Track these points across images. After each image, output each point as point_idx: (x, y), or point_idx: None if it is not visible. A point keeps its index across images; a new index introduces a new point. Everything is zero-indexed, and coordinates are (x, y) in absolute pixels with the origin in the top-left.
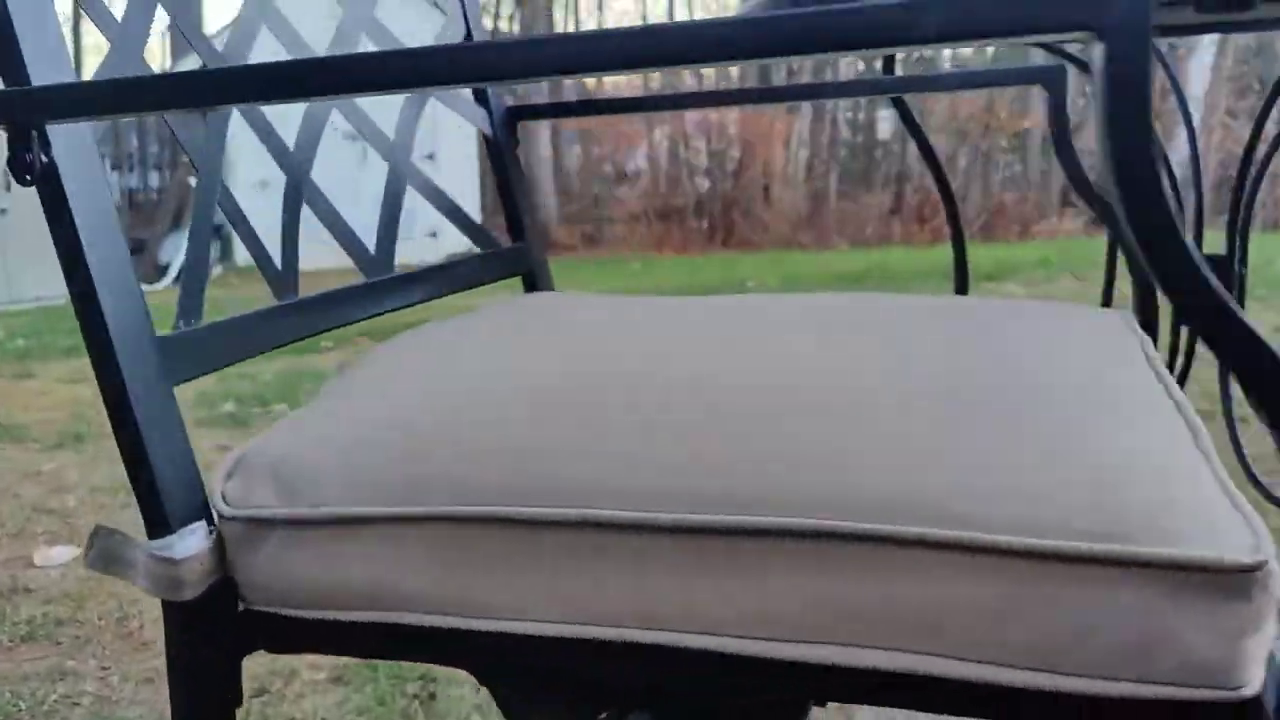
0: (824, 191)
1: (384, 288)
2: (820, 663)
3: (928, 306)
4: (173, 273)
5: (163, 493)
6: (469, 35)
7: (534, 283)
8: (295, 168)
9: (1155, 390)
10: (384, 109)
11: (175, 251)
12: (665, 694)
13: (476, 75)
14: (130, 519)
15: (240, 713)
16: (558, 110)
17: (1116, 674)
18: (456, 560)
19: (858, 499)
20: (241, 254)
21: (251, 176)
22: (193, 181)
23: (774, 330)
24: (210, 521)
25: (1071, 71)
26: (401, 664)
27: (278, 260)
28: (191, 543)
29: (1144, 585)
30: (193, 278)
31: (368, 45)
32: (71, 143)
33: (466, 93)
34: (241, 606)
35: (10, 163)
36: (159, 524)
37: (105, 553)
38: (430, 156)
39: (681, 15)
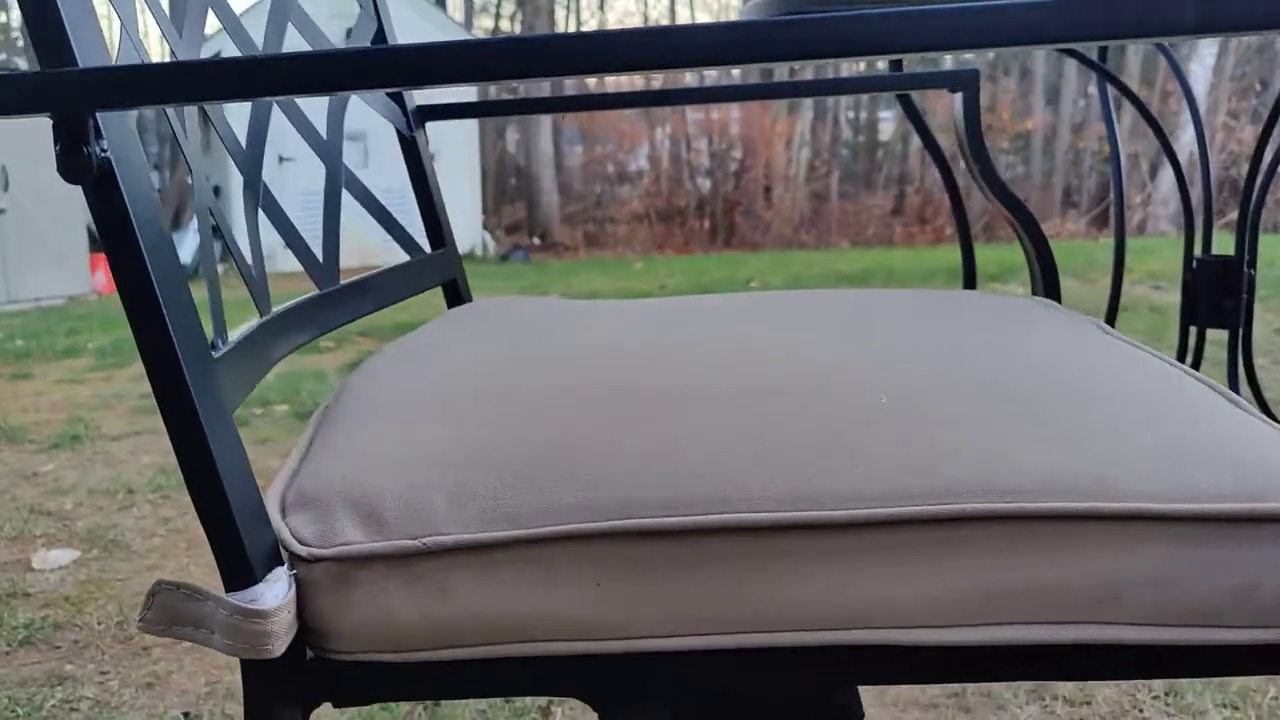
0: (825, 192)
1: (338, 298)
2: (988, 644)
3: (878, 299)
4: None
5: (245, 540)
6: (380, 31)
7: (456, 290)
8: (249, 170)
9: (1169, 367)
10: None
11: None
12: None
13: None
14: (132, 523)
15: (242, 718)
16: (465, 110)
17: (1275, 622)
18: (604, 579)
19: (1021, 482)
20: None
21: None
22: (191, 181)
23: (781, 327)
24: (287, 565)
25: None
26: None
27: (276, 264)
28: (279, 591)
29: None
30: (216, 296)
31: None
32: (124, 137)
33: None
34: (309, 655)
35: (62, 159)
36: (241, 573)
37: (169, 612)
38: (431, 156)
39: (683, 15)
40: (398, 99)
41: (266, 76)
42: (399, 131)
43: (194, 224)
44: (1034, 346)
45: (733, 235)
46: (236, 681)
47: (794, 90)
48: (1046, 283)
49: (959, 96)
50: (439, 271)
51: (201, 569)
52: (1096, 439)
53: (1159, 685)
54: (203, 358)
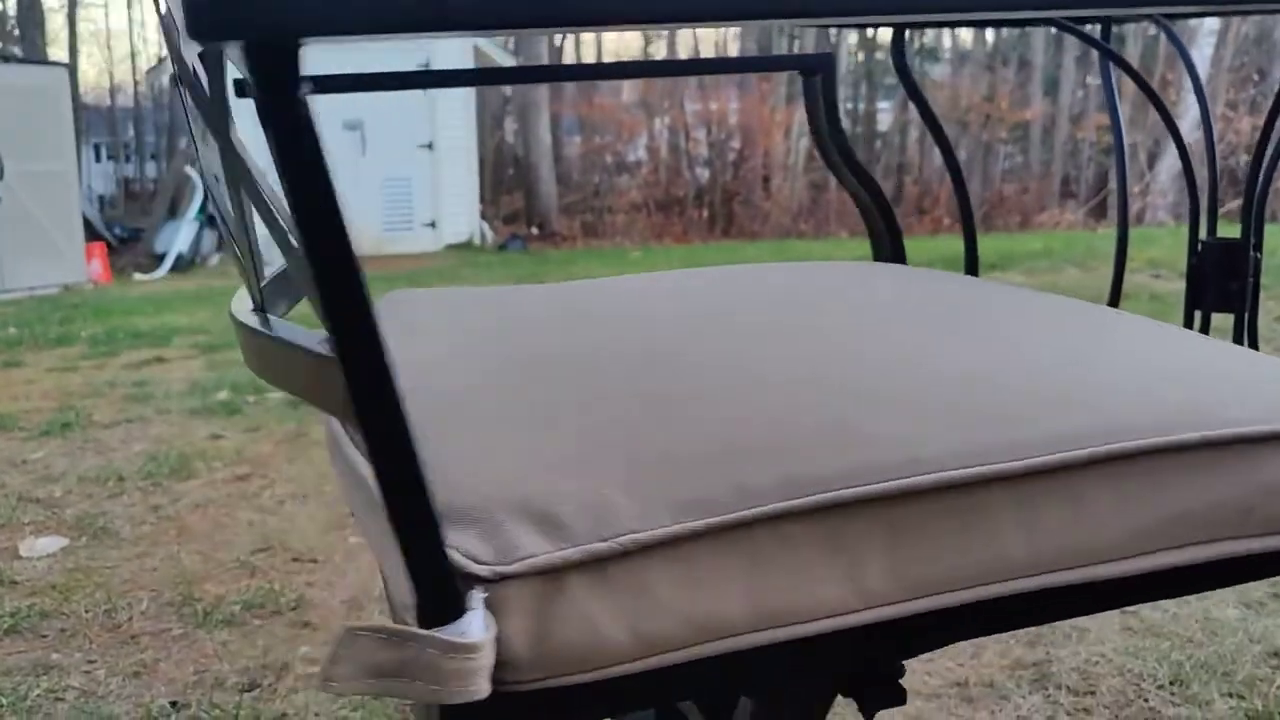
0: (824, 182)
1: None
2: (1148, 571)
3: (766, 275)
4: (168, 263)
5: (452, 563)
6: None
7: None
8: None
9: (1114, 312)
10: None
11: (170, 241)
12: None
13: None
14: (122, 511)
15: (232, 707)
16: (333, 83)
17: None
18: (813, 556)
19: (1155, 420)
20: None
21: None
22: (189, 170)
23: (800, 301)
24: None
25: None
26: None
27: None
28: (483, 620)
29: None
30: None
31: None
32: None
33: None
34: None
35: (270, 102)
36: (446, 601)
37: (365, 664)
38: (429, 146)
39: None
40: None
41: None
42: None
43: (189, 214)
44: (1014, 309)
45: (731, 225)
46: (225, 671)
47: (644, 70)
48: (894, 250)
49: (816, 80)
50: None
51: (192, 558)
52: (1178, 379)
53: (1164, 674)
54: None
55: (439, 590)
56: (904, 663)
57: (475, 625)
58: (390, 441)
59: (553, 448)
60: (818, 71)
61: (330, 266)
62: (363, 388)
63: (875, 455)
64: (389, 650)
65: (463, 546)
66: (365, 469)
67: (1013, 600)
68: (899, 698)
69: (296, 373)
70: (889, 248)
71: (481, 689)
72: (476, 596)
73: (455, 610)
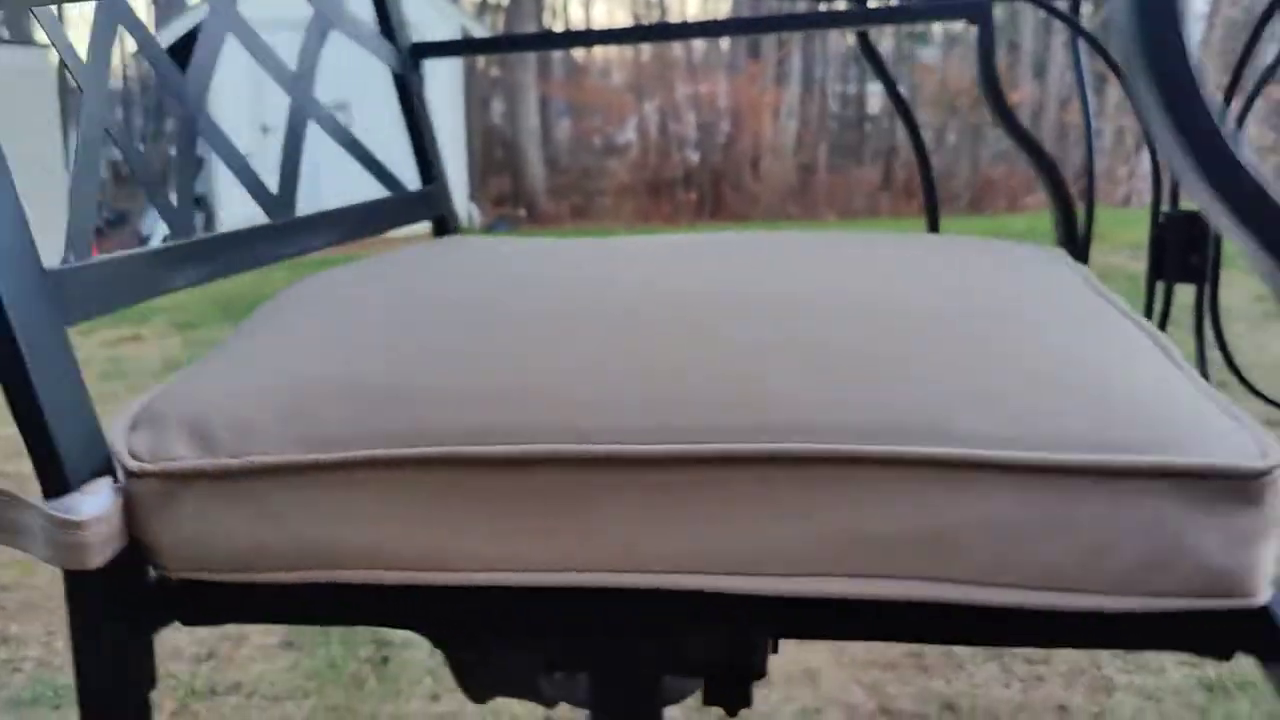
0: (813, 164)
1: (294, 229)
2: (810, 596)
3: (859, 240)
4: (154, 244)
5: (60, 448)
6: None
7: (443, 226)
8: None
9: (1113, 313)
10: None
11: (157, 223)
12: (630, 639)
13: None
14: None
15: (187, 676)
16: (464, 48)
17: (1130, 590)
18: (418, 508)
19: (857, 422)
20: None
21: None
22: (174, 152)
23: (715, 263)
24: (115, 479)
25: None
26: (355, 628)
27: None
28: (96, 502)
29: (1156, 496)
30: (82, 204)
31: None
32: None
33: (373, 27)
34: (153, 575)
35: None
36: (57, 483)
37: None
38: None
39: (674, 4)
40: (390, 37)
41: None
42: (394, 72)
43: (172, 199)
44: (977, 288)
45: (720, 207)
46: (182, 641)
47: (796, 23)
48: (1068, 230)
49: (987, 30)
50: (427, 207)
51: None
52: (960, 383)
53: None
54: (25, 270)
55: (52, 471)
56: (845, 645)
57: (84, 505)
58: (14, 373)
59: (280, 372)
60: (978, 20)
61: None
62: None
63: (536, 418)
64: (10, 512)
65: (133, 444)
66: None
67: (633, 595)
68: (744, 700)
69: None
70: (1063, 227)
71: (88, 562)
72: (101, 482)
73: (65, 489)
